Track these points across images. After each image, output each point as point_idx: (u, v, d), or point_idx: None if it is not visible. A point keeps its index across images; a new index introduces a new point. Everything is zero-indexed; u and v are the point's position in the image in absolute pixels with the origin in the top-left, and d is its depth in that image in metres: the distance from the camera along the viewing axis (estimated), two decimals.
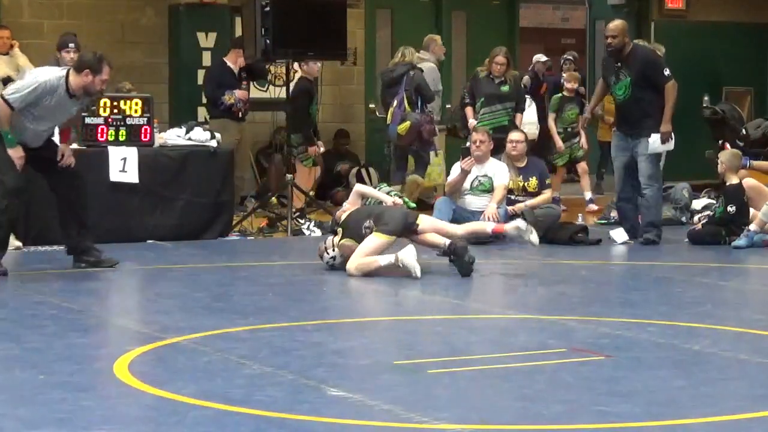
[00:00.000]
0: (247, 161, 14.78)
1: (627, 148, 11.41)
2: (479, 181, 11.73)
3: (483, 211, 11.50)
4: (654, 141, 11.21)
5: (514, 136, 12.25)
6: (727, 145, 13.88)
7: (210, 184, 11.71)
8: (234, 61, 13.92)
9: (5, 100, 9.11)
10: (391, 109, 13.60)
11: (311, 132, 13.54)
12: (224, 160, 11.94)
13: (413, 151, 13.62)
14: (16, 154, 9.15)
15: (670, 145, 11.32)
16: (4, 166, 9.20)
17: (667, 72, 11.29)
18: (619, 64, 11.32)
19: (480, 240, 11.17)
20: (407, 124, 13.38)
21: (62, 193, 9.60)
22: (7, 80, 11.85)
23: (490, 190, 11.69)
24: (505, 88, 13.20)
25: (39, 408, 5.16)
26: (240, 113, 13.79)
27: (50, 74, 9.24)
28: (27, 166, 9.27)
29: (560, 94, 14.88)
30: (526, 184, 12.05)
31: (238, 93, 13.69)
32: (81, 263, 9.54)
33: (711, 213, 11.92)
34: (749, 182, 11.69)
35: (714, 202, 12.71)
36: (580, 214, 13.20)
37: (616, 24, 11.48)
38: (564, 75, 15.87)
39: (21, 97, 9.08)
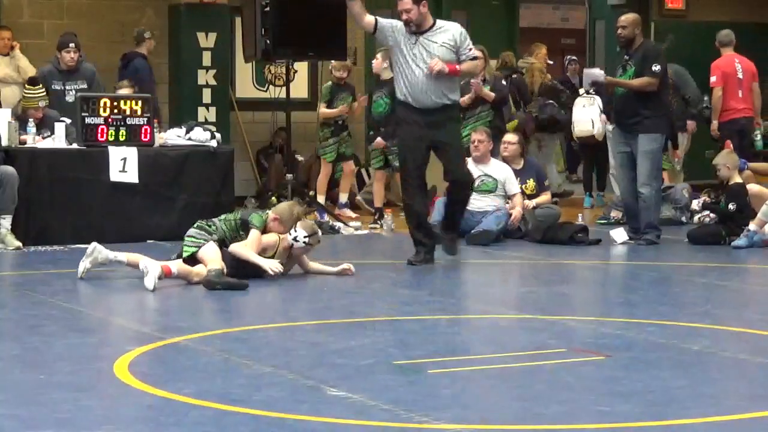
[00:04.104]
0: None
1: (626, 143, 11.39)
2: (482, 180, 11.72)
3: (483, 212, 11.51)
4: (592, 72, 11.66)
5: (506, 137, 12.24)
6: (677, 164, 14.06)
7: (210, 184, 11.70)
8: None
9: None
10: None
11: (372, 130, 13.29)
12: (224, 160, 11.94)
13: None
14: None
15: (598, 76, 11.52)
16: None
17: (656, 68, 11.17)
18: (627, 57, 11.35)
19: (481, 241, 11.19)
20: (515, 122, 14.17)
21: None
22: (33, 80, 11.79)
23: (493, 190, 11.68)
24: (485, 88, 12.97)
25: (39, 408, 5.16)
26: None
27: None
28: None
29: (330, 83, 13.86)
30: (523, 186, 12.03)
31: None
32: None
33: (712, 203, 11.98)
34: (753, 188, 11.67)
35: (711, 200, 12.77)
36: (579, 214, 13.20)
37: (627, 16, 11.50)
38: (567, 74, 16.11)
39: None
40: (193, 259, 8.75)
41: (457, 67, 9.68)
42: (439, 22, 9.96)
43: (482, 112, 12.88)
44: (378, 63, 13.25)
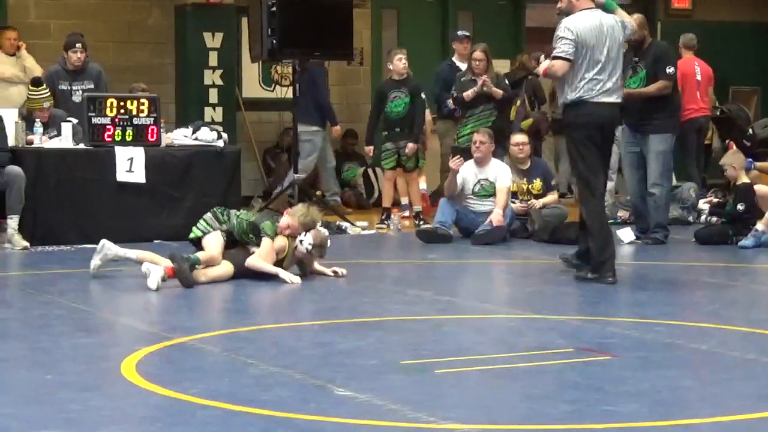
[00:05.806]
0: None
1: (636, 143, 11.39)
2: (481, 185, 11.70)
3: (486, 212, 11.51)
4: None
5: (518, 138, 12.21)
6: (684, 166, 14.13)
7: (217, 184, 11.71)
8: (463, 57, 13.72)
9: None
10: (514, 108, 14.05)
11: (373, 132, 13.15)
12: (231, 160, 11.94)
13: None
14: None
15: None
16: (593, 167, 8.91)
17: (670, 70, 11.24)
18: (636, 58, 11.33)
19: (486, 240, 11.18)
20: (530, 120, 14.84)
21: None
22: (37, 80, 11.79)
23: (492, 194, 11.66)
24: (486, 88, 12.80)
25: (46, 408, 5.16)
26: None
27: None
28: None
29: None
30: (530, 186, 12.03)
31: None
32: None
33: (718, 202, 11.96)
34: (761, 189, 11.65)
35: (719, 199, 12.75)
36: None
37: (633, 18, 11.40)
38: None
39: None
40: (198, 242, 8.88)
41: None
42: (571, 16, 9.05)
43: (484, 112, 12.70)
44: (404, 64, 13.05)
